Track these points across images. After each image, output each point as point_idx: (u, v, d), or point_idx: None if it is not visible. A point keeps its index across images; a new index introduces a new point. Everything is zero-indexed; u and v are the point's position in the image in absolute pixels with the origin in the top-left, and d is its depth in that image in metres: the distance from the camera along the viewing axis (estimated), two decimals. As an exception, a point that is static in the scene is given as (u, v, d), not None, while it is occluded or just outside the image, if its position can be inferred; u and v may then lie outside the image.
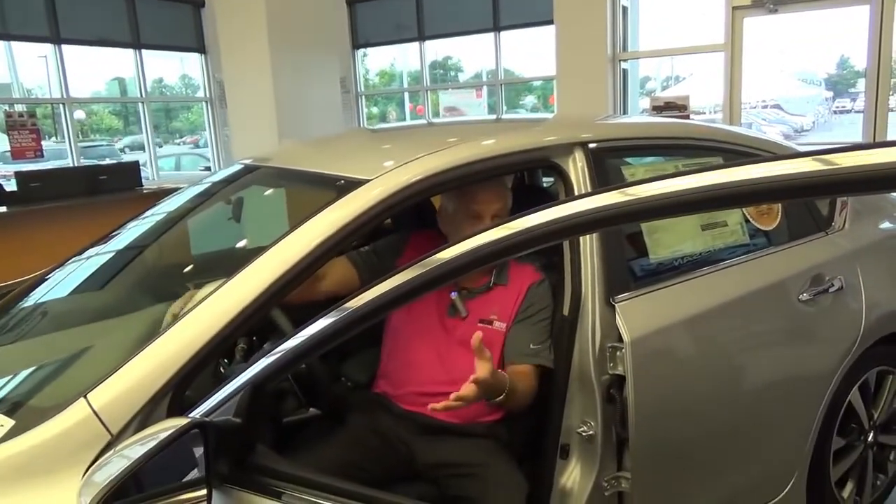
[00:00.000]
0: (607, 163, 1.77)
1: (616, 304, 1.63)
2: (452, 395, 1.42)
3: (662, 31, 6.36)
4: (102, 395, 1.14)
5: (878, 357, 2.19)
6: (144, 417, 1.15)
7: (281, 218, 1.77)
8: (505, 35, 7.48)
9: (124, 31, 8.03)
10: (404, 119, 10.78)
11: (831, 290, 2.00)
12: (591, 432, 1.64)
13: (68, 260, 2.04)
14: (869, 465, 2.29)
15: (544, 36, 7.39)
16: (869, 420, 2.24)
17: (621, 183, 0.87)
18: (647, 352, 1.61)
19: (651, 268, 1.78)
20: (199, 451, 0.90)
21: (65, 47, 7.42)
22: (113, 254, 2.04)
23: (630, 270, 1.75)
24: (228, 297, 1.25)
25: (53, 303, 1.89)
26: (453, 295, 1.73)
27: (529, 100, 10.75)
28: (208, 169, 9.79)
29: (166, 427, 0.91)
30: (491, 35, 7.57)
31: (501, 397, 1.54)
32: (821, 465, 2.09)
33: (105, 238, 2.09)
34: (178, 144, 12.64)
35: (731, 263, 1.86)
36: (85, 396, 1.14)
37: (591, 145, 1.74)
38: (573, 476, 1.67)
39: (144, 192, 5.80)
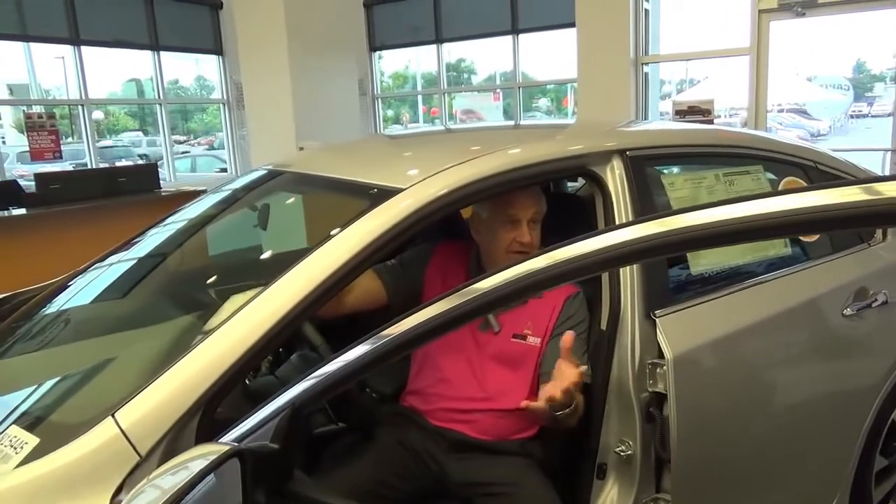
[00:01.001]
0: (646, 171, 1.71)
1: (657, 319, 1.57)
2: (543, 396, 1.38)
3: (683, 34, 6.27)
4: (131, 414, 1.10)
5: (922, 374, 2.11)
6: (174, 437, 1.11)
7: (310, 226, 1.72)
8: (521, 38, 7.42)
9: (142, 32, 8.06)
10: (417, 121, 10.75)
11: (875, 304, 1.92)
12: (629, 452, 1.57)
13: (90, 266, 2.00)
14: (911, 486, 2.21)
15: (560, 39, 7.35)
16: (912, 439, 2.16)
17: (666, 211, 0.83)
18: (690, 369, 1.54)
19: (692, 280, 1.71)
20: (235, 479, 0.85)
21: (82, 49, 7.45)
22: (136, 261, 2.00)
23: (670, 283, 1.68)
24: (261, 310, 1.20)
25: (75, 311, 1.85)
26: (486, 307, 1.67)
27: (543, 102, 10.69)
28: (224, 171, 9.81)
29: (202, 454, 0.85)
30: (507, 37, 7.51)
31: (569, 409, 1.47)
32: (863, 485, 2.02)
33: (127, 244, 2.05)
34: (193, 146, 12.69)
35: (774, 276, 1.79)
36: (112, 415, 1.09)
37: (630, 153, 1.68)
38: (610, 497, 1.61)
39: (163, 194, 5.79)
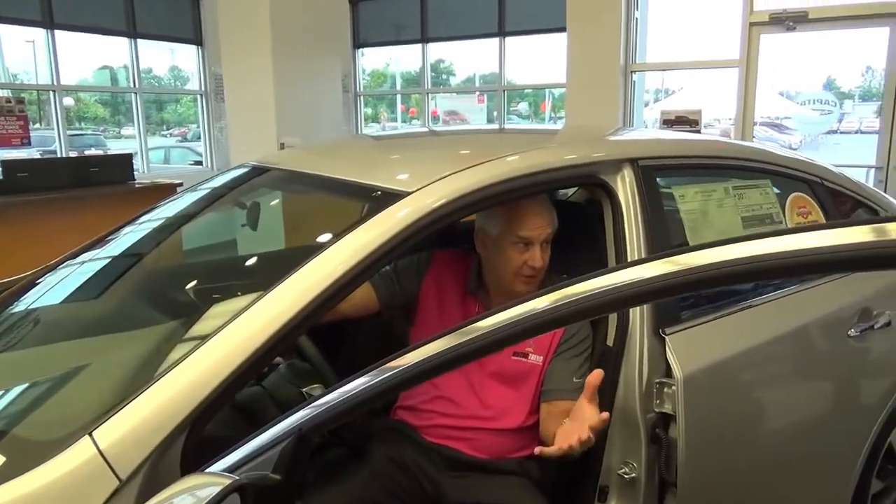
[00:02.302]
0: (656, 181, 1.65)
1: (666, 337, 1.50)
2: (576, 440, 1.27)
3: (668, 44, 6.27)
4: (110, 432, 0.99)
5: (919, 397, 2.08)
6: (157, 459, 1.00)
7: (305, 228, 1.61)
8: (507, 41, 7.36)
9: (119, 19, 7.83)
10: (396, 121, 10.64)
11: (877, 325, 1.89)
12: (633, 475, 1.50)
13: (61, 262, 1.87)
14: (903, 509, 2.18)
15: (544, 43, 7.32)
16: (907, 462, 2.13)
17: (679, 249, 0.78)
18: (699, 389, 1.48)
19: (701, 297, 1.65)
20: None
21: (55, 33, 7.20)
22: (112, 259, 1.87)
23: (680, 300, 1.62)
24: (260, 318, 1.10)
25: (44, 311, 1.72)
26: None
27: (522, 107, 10.65)
28: (199, 163, 9.59)
29: (193, 486, 0.76)
30: (493, 40, 7.45)
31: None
32: (860, 509, 1.98)
33: (103, 240, 1.92)
34: (165, 136, 12.40)
35: (784, 294, 1.74)
36: (90, 433, 0.98)
37: (641, 162, 1.62)
38: (611, 521, 1.54)
39: (137, 186, 5.60)
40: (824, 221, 1.98)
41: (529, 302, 0.87)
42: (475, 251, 1.68)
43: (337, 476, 1.51)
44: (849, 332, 1.82)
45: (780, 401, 1.70)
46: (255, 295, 1.16)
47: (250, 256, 1.77)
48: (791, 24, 4.60)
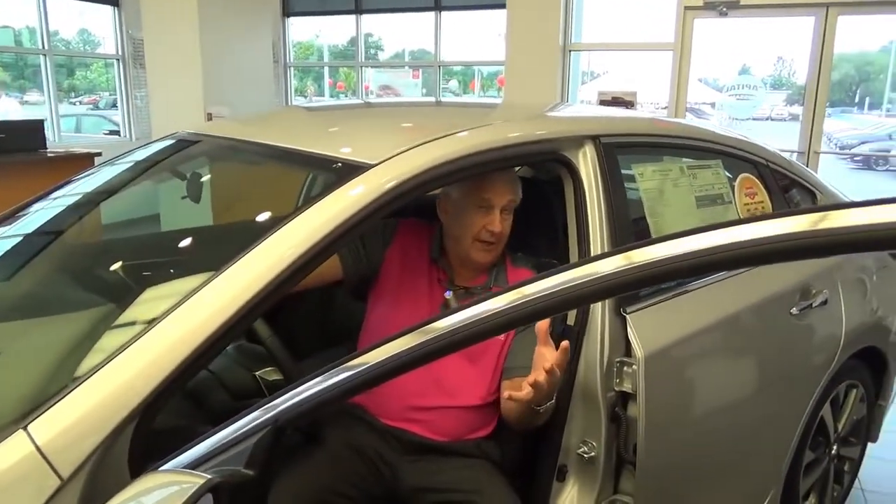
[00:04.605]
0: (616, 158, 1.63)
1: (627, 316, 1.50)
2: (528, 379, 1.26)
3: (604, 25, 6.34)
4: (49, 427, 0.88)
5: (848, 372, 2.18)
6: (102, 455, 0.91)
7: (255, 200, 1.50)
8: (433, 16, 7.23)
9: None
10: (323, 95, 10.37)
11: (815, 304, 1.95)
12: (592, 454, 1.50)
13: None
14: (830, 476, 2.30)
15: (477, 19, 7.26)
16: (834, 433, 2.24)
17: (636, 244, 0.78)
18: (658, 367, 1.49)
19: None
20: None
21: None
22: (25, 237, 1.71)
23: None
24: (216, 300, 1.01)
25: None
26: (448, 294, 1.54)
27: (452, 84, 10.59)
28: (116, 133, 9.05)
29: (157, 485, 0.68)
30: (429, 14, 7.32)
31: (551, 402, 1.38)
32: (794, 479, 2.06)
33: (16, 214, 1.74)
34: (74, 104, 11.63)
35: (736, 272, 1.77)
36: (25, 428, 0.88)
37: (603, 139, 1.60)
38: (569, 499, 1.54)
39: (49, 155, 5.20)
40: (768, 201, 2.03)
41: (487, 301, 0.84)
42: (438, 220, 1.63)
43: (293, 463, 1.43)
44: (791, 311, 1.87)
45: (731, 377, 1.74)
46: (207, 274, 1.06)
47: (193, 231, 1.65)
48: (724, 9, 4.72)
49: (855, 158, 10.96)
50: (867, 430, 2.46)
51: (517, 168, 2.12)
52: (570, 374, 1.50)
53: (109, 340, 1.11)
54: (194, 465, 0.80)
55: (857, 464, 2.49)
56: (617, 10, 6.08)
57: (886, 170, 10.92)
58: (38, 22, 7.59)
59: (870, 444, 2.53)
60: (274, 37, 7.54)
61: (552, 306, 0.82)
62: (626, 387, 1.49)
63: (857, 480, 2.58)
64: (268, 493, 0.76)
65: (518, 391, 1.30)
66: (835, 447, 2.26)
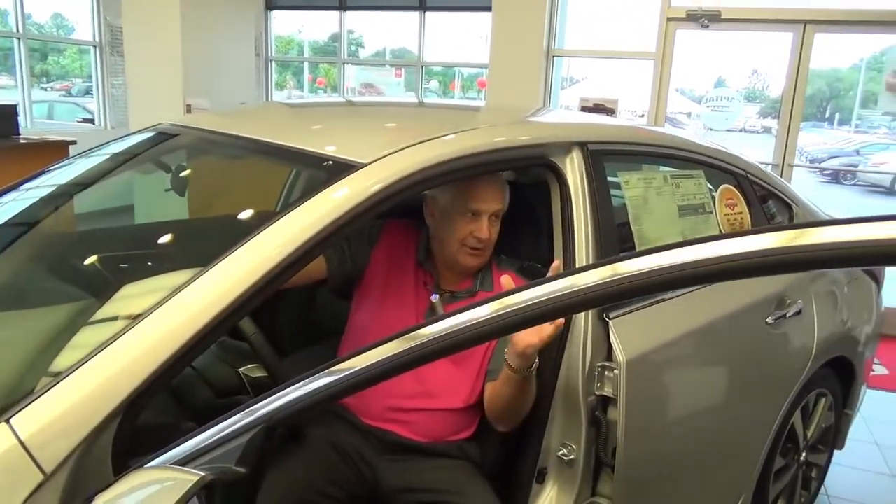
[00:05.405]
0: (603, 165, 1.65)
1: (610, 321, 1.51)
2: (536, 335, 1.31)
3: (586, 32, 6.39)
4: (32, 420, 0.87)
5: (818, 380, 2.23)
6: (85, 450, 0.89)
7: (243, 196, 1.49)
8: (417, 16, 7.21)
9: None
10: (302, 91, 10.30)
11: (790, 314, 1.99)
12: (571, 456, 1.52)
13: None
14: (798, 482, 2.35)
15: (461, 21, 7.25)
16: (803, 440, 2.29)
17: (621, 256, 0.80)
18: (640, 373, 1.51)
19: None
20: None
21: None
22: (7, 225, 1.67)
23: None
24: (199, 298, 0.99)
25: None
26: (434, 298, 1.54)
27: (433, 84, 10.58)
28: (89, 121, 8.88)
29: (146, 482, 0.67)
30: (413, 14, 7.30)
31: (532, 367, 1.40)
32: (764, 484, 2.10)
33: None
34: (46, 90, 11.36)
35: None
36: (7, 421, 0.86)
37: (591, 146, 1.62)
38: (548, 501, 1.55)
39: (22, 141, 5.08)
40: (747, 212, 2.07)
41: (475, 310, 0.86)
42: (425, 223, 1.63)
43: (274, 460, 1.42)
44: (766, 320, 1.91)
45: (708, 383, 1.77)
46: (192, 271, 1.05)
47: (174, 225, 1.63)
48: (706, 21, 4.79)
49: (824, 172, 11.18)
50: (834, 437, 2.52)
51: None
52: (552, 377, 1.52)
53: (91, 335, 1.09)
54: (182, 463, 0.80)
55: (824, 471, 2.55)
56: (599, 18, 6.14)
57: (854, 184, 11.17)
58: (12, 4, 7.41)
59: (836, 452, 2.60)
60: (257, 30, 7.46)
61: (539, 316, 0.83)
62: (607, 391, 1.50)
63: (823, 487, 2.64)
64: (257, 491, 0.76)
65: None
66: (804, 454, 2.31)
